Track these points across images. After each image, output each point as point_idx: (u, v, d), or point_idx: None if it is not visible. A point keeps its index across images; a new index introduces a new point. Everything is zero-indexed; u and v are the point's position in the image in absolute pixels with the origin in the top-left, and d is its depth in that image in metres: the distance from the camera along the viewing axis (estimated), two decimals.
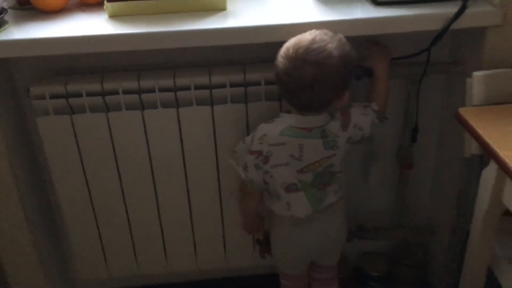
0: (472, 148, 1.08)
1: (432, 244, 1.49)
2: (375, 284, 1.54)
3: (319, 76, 0.94)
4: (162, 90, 1.17)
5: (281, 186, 1.10)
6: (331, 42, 0.95)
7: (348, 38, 1.00)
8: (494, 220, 0.99)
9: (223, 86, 1.17)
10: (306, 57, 0.94)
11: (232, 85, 1.17)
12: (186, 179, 1.27)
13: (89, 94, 1.16)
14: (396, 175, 1.40)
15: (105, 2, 1.09)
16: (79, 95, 1.16)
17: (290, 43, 0.97)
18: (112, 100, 1.17)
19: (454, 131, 1.27)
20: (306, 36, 0.97)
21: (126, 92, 1.17)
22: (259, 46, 1.09)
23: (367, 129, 1.09)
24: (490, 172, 0.95)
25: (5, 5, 1.13)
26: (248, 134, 1.15)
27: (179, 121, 1.19)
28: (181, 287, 1.58)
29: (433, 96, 1.31)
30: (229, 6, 1.13)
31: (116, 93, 1.16)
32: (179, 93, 1.18)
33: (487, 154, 0.93)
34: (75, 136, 1.19)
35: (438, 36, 1.08)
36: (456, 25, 1.06)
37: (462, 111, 1.00)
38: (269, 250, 1.26)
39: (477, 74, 1.04)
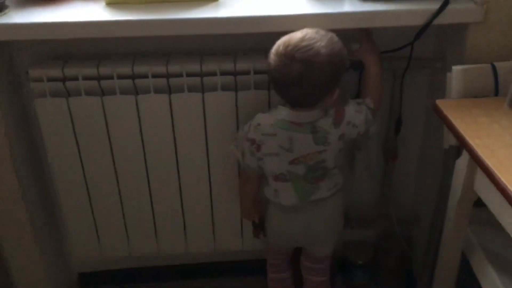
0: (450, 139, 1.12)
1: (416, 234, 1.53)
2: (359, 273, 1.59)
3: (307, 73, 0.98)
4: (155, 76, 1.22)
5: (270, 174, 1.14)
6: (320, 41, 0.98)
7: (336, 32, 1.04)
8: (466, 208, 1.04)
9: (214, 74, 1.22)
10: (295, 55, 0.97)
11: (223, 73, 1.22)
12: (177, 163, 1.32)
13: (85, 78, 1.21)
14: (381, 166, 1.44)
15: None
16: (75, 78, 1.20)
17: (281, 41, 1.01)
18: (107, 84, 1.22)
19: (437, 123, 1.31)
20: (297, 34, 1.00)
21: (120, 77, 1.21)
22: (249, 36, 1.14)
23: (361, 127, 1.11)
24: (462, 162, 0.99)
25: None
26: (237, 122, 1.20)
27: (171, 106, 1.24)
28: (171, 270, 1.63)
29: (417, 89, 1.35)
30: None
31: (111, 78, 1.21)
32: (172, 80, 1.22)
33: (461, 145, 0.97)
34: (71, 118, 1.24)
35: (421, 30, 1.13)
36: (438, 21, 1.10)
37: (440, 103, 1.04)
38: (263, 233, 1.31)
39: (456, 68, 1.08)
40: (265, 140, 1.09)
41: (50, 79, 1.20)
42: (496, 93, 1.10)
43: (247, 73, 1.22)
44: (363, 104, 1.12)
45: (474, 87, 1.09)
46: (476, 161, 0.88)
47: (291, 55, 0.97)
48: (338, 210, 1.24)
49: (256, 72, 1.22)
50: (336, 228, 1.27)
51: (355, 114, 1.09)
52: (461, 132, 0.94)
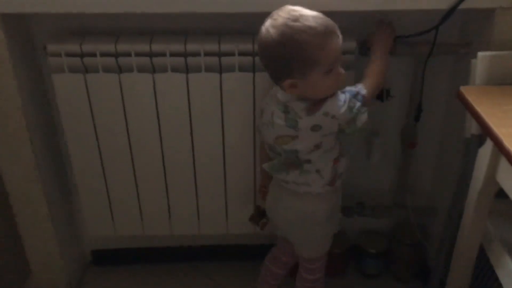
0: (472, 127, 1.09)
1: (431, 225, 1.50)
2: (372, 261, 1.57)
3: (259, 48, 1.01)
4: (173, 54, 1.20)
5: (265, 143, 1.15)
6: (280, 24, 0.95)
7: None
8: (488, 198, 1.01)
9: (231, 54, 1.20)
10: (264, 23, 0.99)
11: (241, 53, 1.20)
12: (192, 143, 1.31)
13: (103, 55, 1.19)
14: (399, 153, 1.41)
15: None
16: (93, 55, 1.19)
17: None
18: (124, 61, 1.20)
19: (458, 111, 1.28)
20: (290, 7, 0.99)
21: (138, 54, 1.20)
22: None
23: (342, 118, 1.02)
24: (485, 151, 0.96)
25: None
26: (254, 103, 1.18)
27: (188, 85, 1.23)
28: (182, 251, 1.63)
29: (439, 76, 1.32)
30: None
31: (129, 55, 1.20)
32: (189, 59, 1.21)
33: (485, 133, 0.94)
34: (88, 94, 1.23)
35: (447, 15, 1.09)
36: (464, 5, 1.07)
37: (464, 89, 1.01)
38: (263, 221, 1.31)
39: (481, 54, 1.05)
40: (264, 109, 1.11)
41: (68, 55, 1.20)
42: None
43: None
44: (354, 91, 1.05)
45: (499, 75, 1.06)
46: (502, 150, 0.85)
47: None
48: (308, 217, 1.16)
49: None
50: (309, 236, 1.21)
51: (337, 104, 1.02)
52: (486, 120, 0.91)
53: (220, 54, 1.20)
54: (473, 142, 1.09)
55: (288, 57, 0.95)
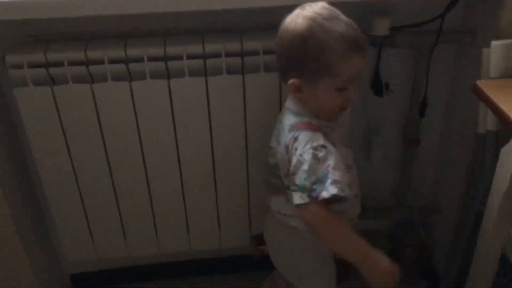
0: (488, 123, 1.01)
1: (436, 225, 1.43)
2: None
3: (278, 34, 0.90)
4: (151, 59, 1.07)
5: None
6: (310, 17, 0.85)
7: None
8: None
9: (218, 55, 1.08)
10: None
11: (228, 54, 1.08)
12: (178, 155, 1.19)
13: (72, 63, 1.06)
14: (401, 151, 1.32)
15: None
16: (60, 64, 1.06)
17: None
18: (97, 70, 1.07)
19: (465, 105, 1.19)
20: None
21: (112, 61, 1.07)
22: (258, 11, 1.00)
23: (291, 167, 0.87)
24: (511, 150, 0.87)
25: None
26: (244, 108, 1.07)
27: (170, 92, 1.10)
28: (168, 267, 1.51)
29: (441, 68, 1.22)
30: None
31: (101, 62, 1.06)
32: (170, 63, 1.08)
33: (508, 130, 0.85)
34: (57, 109, 1.09)
35: (453, 1, 1.00)
36: None
37: (481, 84, 0.92)
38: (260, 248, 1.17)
39: (495, 43, 0.96)
40: None
41: (31, 65, 1.05)
42: None
43: (255, 53, 1.08)
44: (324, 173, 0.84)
45: None
46: None
47: None
48: (290, 251, 1.02)
49: (265, 53, 1.08)
50: (290, 269, 1.08)
51: (298, 153, 0.85)
52: None
53: (205, 56, 1.08)
54: (490, 139, 1.01)
55: (305, 55, 0.85)
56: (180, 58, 1.07)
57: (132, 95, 1.10)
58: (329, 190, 0.80)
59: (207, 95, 1.11)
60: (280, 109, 1.01)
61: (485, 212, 0.98)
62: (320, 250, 1.02)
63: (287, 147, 0.89)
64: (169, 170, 1.21)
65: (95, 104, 1.09)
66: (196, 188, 1.24)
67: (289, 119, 0.92)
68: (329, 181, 0.81)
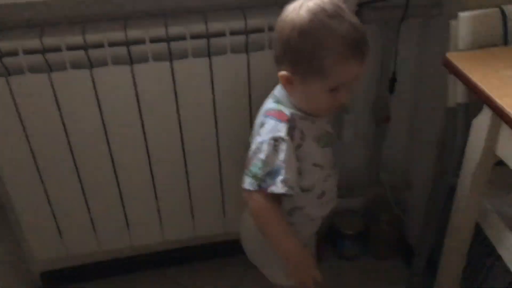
0: (458, 96, 1.00)
1: (409, 200, 1.44)
2: (349, 243, 1.49)
3: (279, 18, 0.85)
4: (112, 44, 1.02)
5: None
6: (314, 11, 0.79)
7: None
8: (485, 173, 0.93)
9: (182, 38, 1.03)
10: None
11: (194, 36, 1.04)
12: (146, 143, 1.15)
13: (27, 52, 1.00)
14: (371, 129, 1.32)
15: None
16: (14, 53, 0.99)
17: None
18: (54, 58, 1.01)
19: (434, 79, 1.19)
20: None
21: (70, 48, 1.01)
22: None
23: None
24: (482, 121, 0.87)
25: None
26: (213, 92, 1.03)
27: (134, 79, 1.06)
28: (145, 259, 1.48)
29: (410, 42, 1.22)
30: None
31: (59, 50, 1.01)
32: (133, 48, 1.03)
33: (480, 102, 0.85)
34: (14, 100, 1.03)
35: None
36: None
37: (451, 56, 0.91)
38: None
39: (463, 15, 0.95)
40: None
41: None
42: (506, 42, 0.98)
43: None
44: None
45: (482, 36, 0.96)
46: (508, 122, 0.76)
47: None
48: (255, 237, 0.99)
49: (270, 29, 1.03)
50: (255, 255, 1.06)
51: (259, 140, 0.86)
52: (484, 90, 0.81)
53: (168, 39, 1.03)
54: (460, 112, 1.01)
55: (300, 50, 0.80)
56: (142, 41, 1.03)
57: (93, 82, 1.05)
58: (278, 187, 0.83)
59: (173, 81, 1.07)
60: None
61: (458, 185, 0.99)
62: None
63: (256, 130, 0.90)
64: (137, 158, 1.17)
65: (54, 93, 1.04)
66: (166, 175, 1.21)
67: (268, 104, 0.91)
68: (280, 177, 0.83)
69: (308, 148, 0.89)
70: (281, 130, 0.84)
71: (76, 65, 1.03)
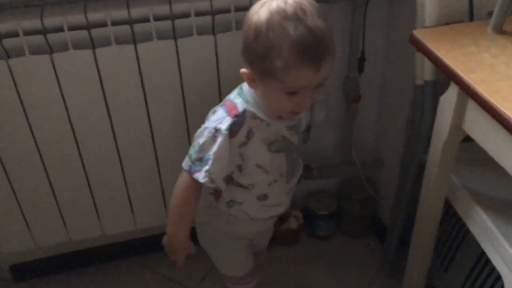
0: (425, 74, 1.00)
1: (381, 178, 1.44)
2: (323, 223, 1.50)
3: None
4: (72, 28, 0.99)
5: None
6: (274, 10, 0.76)
7: None
8: (453, 148, 0.93)
9: (146, 20, 1.00)
10: None
11: (157, 18, 1.01)
12: (112, 128, 1.12)
13: (28, 33, 0.97)
14: (342, 109, 1.31)
15: None
16: (14, 35, 0.96)
17: None
18: (10, 43, 0.98)
19: (402, 57, 1.19)
20: None
21: (27, 33, 0.97)
22: None
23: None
24: (449, 98, 0.87)
25: None
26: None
27: (96, 62, 1.02)
28: (120, 247, 1.46)
29: (377, 21, 1.21)
30: None
31: (15, 35, 0.97)
32: (95, 31, 1.00)
33: (447, 79, 0.85)
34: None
35: None
36: None
37: (417, 33, 0.90)
38: None
39: None
40: None
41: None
42: (471, 18, 0.98)
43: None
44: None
45: (448, 12, 0.96)
46: (475, 98, 0.76)
47: None
48: (208, 226, 1.05)
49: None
50: (207, 242, 1.08)
51: (205, 125, 0.87)
52: (451, 66, 0.81)
53: (131, 22, 1.00)
54: (428, 89, 1.01)
55: (254, 50, 0.78)
56: (104, 24, 0.99)
57: (54, 68, 1.01)
58: (200, 175, 0.86)
59: (138, 64, 1.04)
60: None
61: (427, 161, 0.99)
62: (237, 232, 1.03)
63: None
64: (103, 145, 1.14)
65: (13, 79, 1.00)
66: (136, 163, 1.18)
67: (232, 94, 0.90)
68: (207, 167, 0.85)
69: (254, 149, 0.88)
70: (224, 123, 0.84)
71: (34, 50, 0.99)
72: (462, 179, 1.00)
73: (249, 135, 0.86)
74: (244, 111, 0.85)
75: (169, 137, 1.16)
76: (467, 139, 0.89)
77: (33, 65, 1.00)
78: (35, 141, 1.09)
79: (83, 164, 1.15)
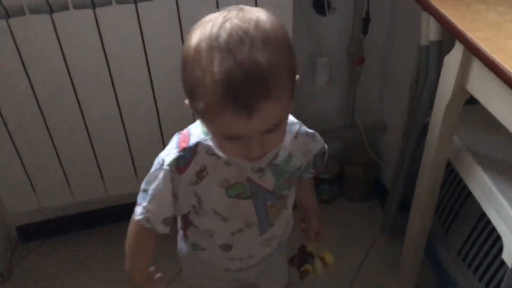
0: (430, 34, 0.99)
1: (384, 142, 1.44)
2: (325, 187, 1.50)
3: None
4: None
5: None
6: (208, 32, 0.59)
7: None
8: (456, 109, 0.93)
9: None
10: None
11: None
12: (114, 89, 1.11)
13: None
14: (346, 71, 1.30)
15: None
16: None
17: None
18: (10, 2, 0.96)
19: (407, 18, 1.17)
20: None
21: None
22: None
23: None
24: (454, 58, 0.86)
25: None
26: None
27: (96, 23, 1.01)
28: (123, 209, 1.47)
29: None
30: None
31: None
32: None
33: (452, 38, 0.84)
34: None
35: None
36: None
37: None
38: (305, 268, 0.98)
39: None
40: None
41: None
42: None
43: None
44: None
45: None
46: (480, 57, 0.75)
47: None
48: (184, 262, 0.94)
49: None
50: (185, 279, 0.99)
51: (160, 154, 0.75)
52: (456, 24, 0.80)
53: None
54: (433, 50, 1.00)
55: (183, 81, 0.63)
56: None
57: (54, 28, 1.00)
58: (139, 211, 0.75)
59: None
60: None
61: (430, 122, 0.99)
62: (210, 270, 0.90)
63: None
64: (105, 104, 1.13)
65: (14, 40, 0.99)
66: (143, 127, 1.18)
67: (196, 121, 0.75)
68: (145, 203, 0.74)
69: (207, 191, 0.73)
70: (170, 157, 0.71)
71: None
72: (465, 141, 0.99)
73: (202, 174, 0.72)
74: (197, 144, 0.71)
75: (171, 98, 1.15)
76: (470, 102, 0.89)
77: (33, 24, 0.99)
78: (37, 102, 1.09)
79: (85, 125, 1.15)
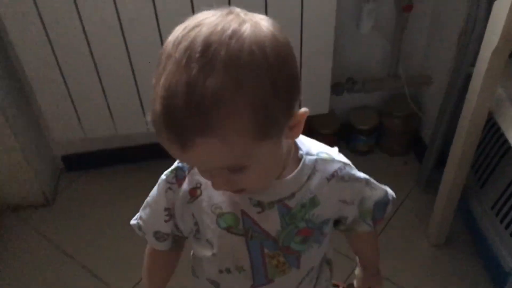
0: None
1: (426, 95, 1.41)
2: (363, 138, 1.49)
3: None
4: None
5: None
6: (166, 43, 0.50)
7: None
8: (502, 58, 0.89)
9: None
10: None
11: None
12: (158, 25, 1.13)
13: None
14: (392, 19, 1.26)
15: None
16: None
17: None
18: None
19: None
20: None
21: None
22: None
23: None
24: (504, 3, 0.82)
25: None
26: None
27: None
28: (161, 147, 1.51)
29: None
30: None
31: None
32: None
33: None
34: None
35: None
36: None
37: None
38: None
39: None
40: None
41: None
42: None
43: None
44: None
45: None
46: None
47: None
48: None
49: None
50: None
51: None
52: None
53: None
54: None
55: None
56: None
57: None
58: (134, 217, 0.71)
59: None
60: None
61: (474, 70, 0.96)
62: None
63: None
64: (149, 43, 1.16)
65: None
66: None
67: None
68: (141, 209, 0.69)
69: (200, 212, 0.63)
70: (171, 167, 0.64)
71: None
72: (509, 93, 0.96)
73: (195, 192, 0.62)
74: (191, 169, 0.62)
75: None
76: None
77: None
78: (85, 33, 1.13)
79: (129, 59, 1.18)
